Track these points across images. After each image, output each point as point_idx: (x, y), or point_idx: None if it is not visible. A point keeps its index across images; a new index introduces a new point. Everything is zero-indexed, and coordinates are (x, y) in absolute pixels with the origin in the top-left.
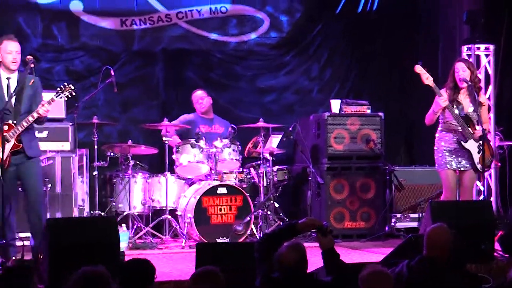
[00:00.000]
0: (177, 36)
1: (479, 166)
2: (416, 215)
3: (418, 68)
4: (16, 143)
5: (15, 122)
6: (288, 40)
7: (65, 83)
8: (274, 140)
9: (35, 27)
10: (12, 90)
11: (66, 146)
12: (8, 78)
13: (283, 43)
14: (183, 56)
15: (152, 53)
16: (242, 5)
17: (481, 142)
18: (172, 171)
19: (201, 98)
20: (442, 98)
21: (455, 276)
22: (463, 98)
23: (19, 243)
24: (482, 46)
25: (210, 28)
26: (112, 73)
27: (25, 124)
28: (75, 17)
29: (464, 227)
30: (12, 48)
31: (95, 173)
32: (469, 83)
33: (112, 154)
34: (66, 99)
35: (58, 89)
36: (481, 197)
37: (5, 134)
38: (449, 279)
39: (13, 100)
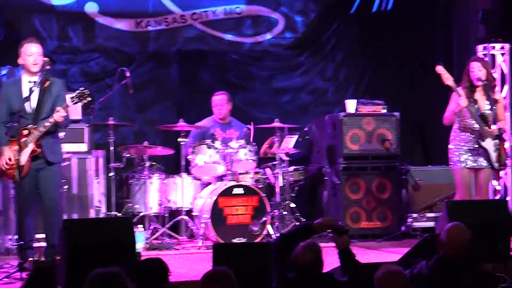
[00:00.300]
0: (192, 37)
1: (496, 165)
2: (432, 214)
3: (439, 69)
4: (35, 148)
5: (35, 126)
6: (303, 41)
7: (81, 88)
8: (290, 141)
9: (51, 29)
10: (34, 93)
11: (82, 147)
12: (30, 82)
13: (298, 44)
14: (198, 57)
15: (167, 54)
16: (257, 5)
17: (497, 140)
18: (188, 172)
19: (219, 105)
20: (462, 98)
21: (472, 276)
22: (479, 96)
23: (36, 244)
24: (498, 45)
25: (225, 29)
26: (128, 75)
27: (42, 129)
28: (90, 18)
29: (481, 226)
30: (33, 50)
31: (111, 174)
32: (485, 82)
33: (128, 155)
34: (82, 104)
35: (74, 95)
36: (498, 196)
37: (24, 139)
38: (466, 279)
39: (33, 103)
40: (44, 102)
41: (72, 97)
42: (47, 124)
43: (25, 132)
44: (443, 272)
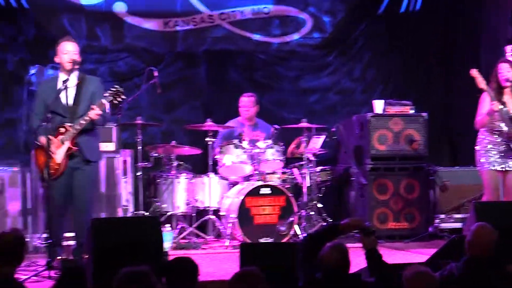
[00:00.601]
0: (220, 37)
1: None
2: (460, 215)
3: (474, 72)
4: (70, 145)
5: (71, 124)
6: (331, 41)
7: (116, 86)
8: (317, 141)
9: (80, 28)
10: (70, 92)
11: (110, 146)
12: (66, 80)
13: (325, 44)
14: (226, 57)
15: (195, 54)
16: (285, 5)
17: None
18: (216, 172)
19: (247, 106)
20: (495, 103)
21: (500, 277)
22: (507, 98)
23: (65, 243)
24: None
25: (253, 29)
26: (156, 74)
27: (78, 127)
28: (118, 18)
29: (508, 228)
30: (69, 49)
31: (139, 173)
32: None
33: (156, 154)
34: (116, 102)
35: (108, 93)
36: None
37: (60, 137)
38: (494, 280)
39: (70, 101)
40: (80, 100)
41: (106, 96)
42: (82, 122)
43: (62, 130)
44: (472, 273)
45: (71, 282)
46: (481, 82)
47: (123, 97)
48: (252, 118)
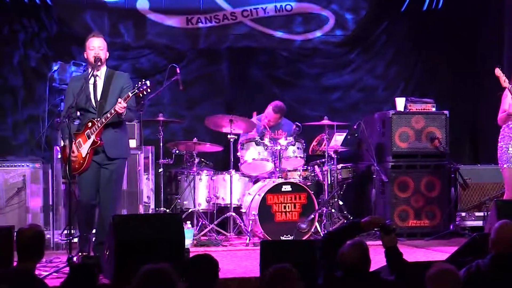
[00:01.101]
0: (242, 34)
1: None
2: (481, 213)
3: (498, 71)
4: (95, 139)
5: (98, 119)
6: (353, 38)
7: (143, 80)
8: (339, 138)
9: (102, 25)
10: (99, 87)
11: (132, 143)
12: (94, 76)
13: (348, 41)
14: (248, 54)
15: (218, 51)
16: (307, 3)
17: None
18: (237, 169)
19: (272, 118)
20: None
21: None
22: None
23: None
24: None
25: (275, 26)
26: (178, 71)
27: (104, 120)
28: (141, 15)
29: None
30: (94, 44)
31: (160, 170)
32: None
33: (177, 151)
34: (141, 95)
35: (136, 86)
36: None
37: (87, 131)
38: None
39: (98, 97)
40: (108, 96)
41: (133, 88)
42: (108, 115)
43: (90, 124)
44: (499, 270)
45: (81, 280)
46: (504, 81)
47: (149, 90)
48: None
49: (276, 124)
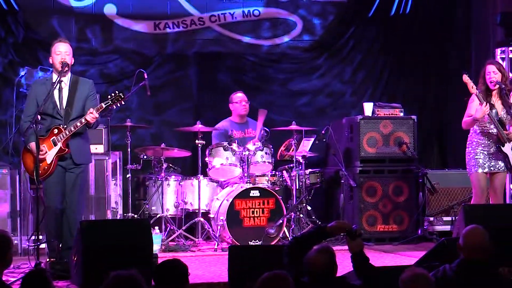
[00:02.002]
0: (210, 39)
1: None
2: (449, 218)
3: (465, 78)
4: (62, 147)
5: (65, 126)
6: (321, 43)
7: (116, 92)
8: (307, 143)
9: (70, 30)
10: (63, 94)
11: (100, 148)
12: (60, 82)
13: (315, 46)
14: (216, 59)
15: (185, 56)
16: (275, 8)
17: None
18: (205, 174)
19: (244, 100)
20: (486, 107)
21: (493, 279)
22: (495, 100)
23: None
24: None
25: (243, 31)
26: (145, 76)
27: (72, 129)
28: (108, 20)
29: (497, 230)
30: (61, 49)
31: (128, 175)
32: (502, 86)
33: (145, 156)
34: (115, 107)
35: (109, 96)
36: None
37: (53, 137)
38: (488, 282)
39: (64, 103)
40: (74, 102)
41: (106, 100)
42: (78, 124)
43: (55, 131)
44: (465, 275)
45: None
46: (472, 87)
47: (123, 103)
48: (245, 116)
49: (244, 122)
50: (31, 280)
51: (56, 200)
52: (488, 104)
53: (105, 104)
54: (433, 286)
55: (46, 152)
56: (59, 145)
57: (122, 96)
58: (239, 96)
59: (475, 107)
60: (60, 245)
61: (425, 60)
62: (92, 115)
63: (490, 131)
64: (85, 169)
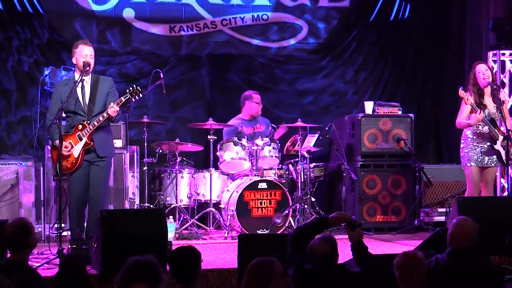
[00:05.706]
0: (221, 41)
1: (506, 163)
2: (443, 209)
3: (461, 92)
4: (87, 141)
5: (88, 122)
6: (325, 46)
7: (134, 85)
8: (311, 139)
9: (91, 32)
10: (87, 92)
11: (119, 143)
12: (82, 81)
13: (320, 49)
14: (227, 60)
15: (199, 57)
16: (283, 12)
17: (505, 140)
18: (216, 167)
19: (260, 102)
20: (480, 114)
21: (482, 266)
22: (487, 99)
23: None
24: (507, 52)
25: (253, 34)
26: (162, 76)
27: (96, 123)
28: (127, 23)
29: (489, 222)
30: (87, 52)
31: (144, 168)
32: (494, 86)
33: (160, 151)
34: (134, 100)
35: (127, 91)
36: (505, 194)
37: (78, 133)
38: (476, 269)
39: (86, 100)
40: (96, 99)
41: (125, 94)
42: (101, 118)
43: (80, 127)
44: (456, 264)
45: (71, 271)
46: (468, 100)
47: (141, 95)
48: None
49: (253, 118)
50: (69, 262)
51: (80, 191)
52: (481, 111)
53: (124, 98)
54: (424, 265)
55: (72, 147)
56: (84, 139)
57: (140, 89)
58: (259, 97)
59: (468, 110)
60: (84, 234)
61: (421, 62)
62: (113, 109)
63: (483, 131)
64: (109, 162)
